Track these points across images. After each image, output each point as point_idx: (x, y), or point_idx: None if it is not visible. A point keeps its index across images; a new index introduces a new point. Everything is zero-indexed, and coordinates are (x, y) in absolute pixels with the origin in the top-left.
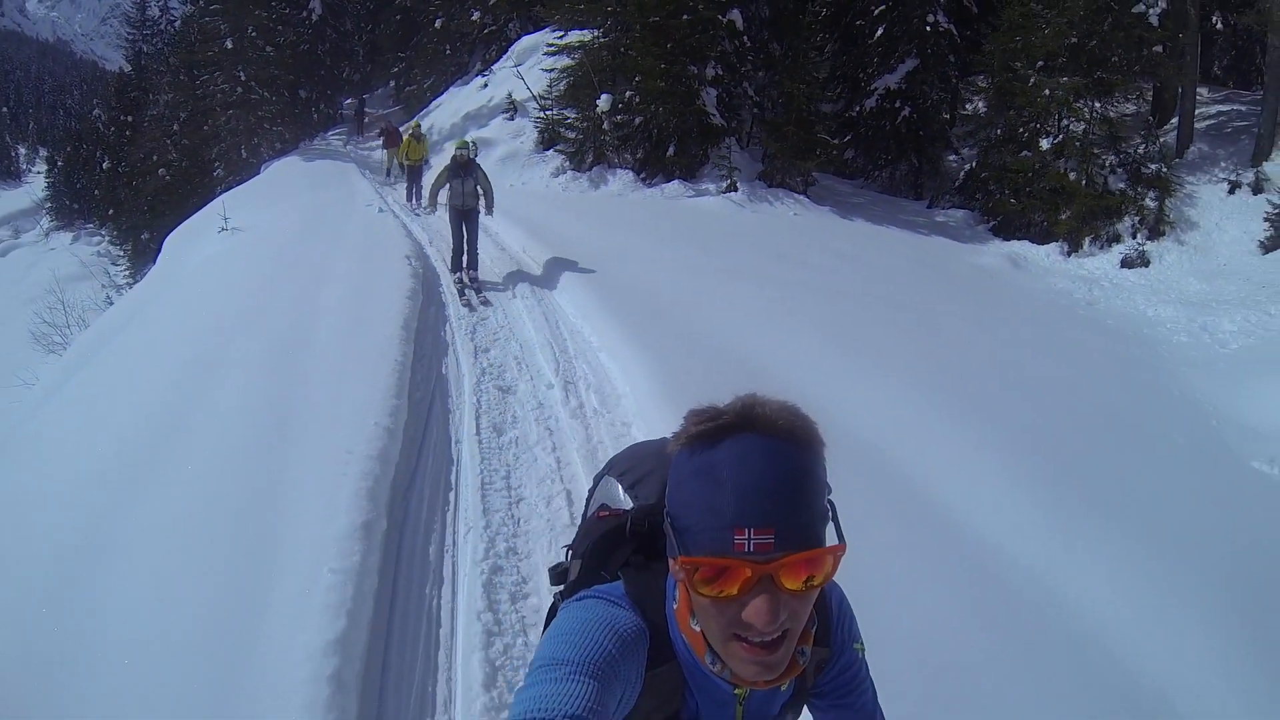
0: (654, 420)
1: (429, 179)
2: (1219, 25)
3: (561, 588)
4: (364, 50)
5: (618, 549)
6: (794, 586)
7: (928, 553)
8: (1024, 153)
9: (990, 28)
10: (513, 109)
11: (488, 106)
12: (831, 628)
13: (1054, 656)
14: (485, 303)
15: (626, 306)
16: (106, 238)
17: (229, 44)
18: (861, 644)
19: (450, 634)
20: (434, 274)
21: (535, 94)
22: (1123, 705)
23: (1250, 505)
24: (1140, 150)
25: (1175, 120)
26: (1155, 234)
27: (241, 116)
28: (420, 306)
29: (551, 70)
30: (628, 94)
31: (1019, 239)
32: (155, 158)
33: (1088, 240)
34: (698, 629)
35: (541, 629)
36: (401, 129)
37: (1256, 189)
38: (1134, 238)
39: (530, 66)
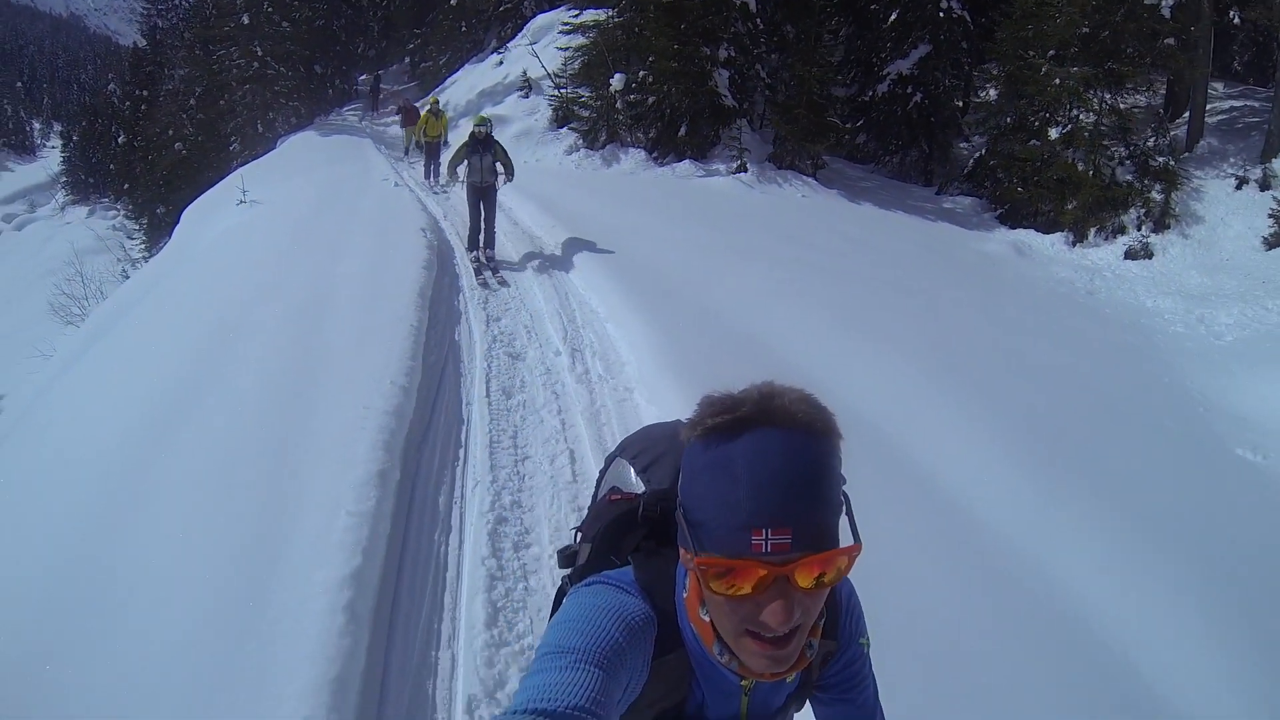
0: (656, 386)
1: (447, 155)
2: (1236, 20)
3: (570, 570)
4: (379, 26)
5: (629, 534)
6: (808, 585)
7: (925, 526)
8: (1033, 141)
9: (1003, 15)
10: (527, 86)
11: (503, 84)
12: (840, 621)
13: (1032, 620)
14: (502, 283)
15: (634, 281)
16: (122, 212)
17: (245, 19)
18: (868, 639)
19: (456, 577)
20: (448, 247)
21: (550, 72)
22: (1088, 666)
23: (1230, 489)
24: (1150, 143)
25: (1187, 114)
26: (1160, 227)
27: (258, 91)
28: (435, 277)
29: (566, 49)
30: (641, 74)
31: (1025, 227)
32: (171, 132)
33: (1093, 231)
34: (707, 619)
35: (551, 608)
36: (418, 105)
37: (1264, 185)
38: (1139, 230)
39: (545, 45)
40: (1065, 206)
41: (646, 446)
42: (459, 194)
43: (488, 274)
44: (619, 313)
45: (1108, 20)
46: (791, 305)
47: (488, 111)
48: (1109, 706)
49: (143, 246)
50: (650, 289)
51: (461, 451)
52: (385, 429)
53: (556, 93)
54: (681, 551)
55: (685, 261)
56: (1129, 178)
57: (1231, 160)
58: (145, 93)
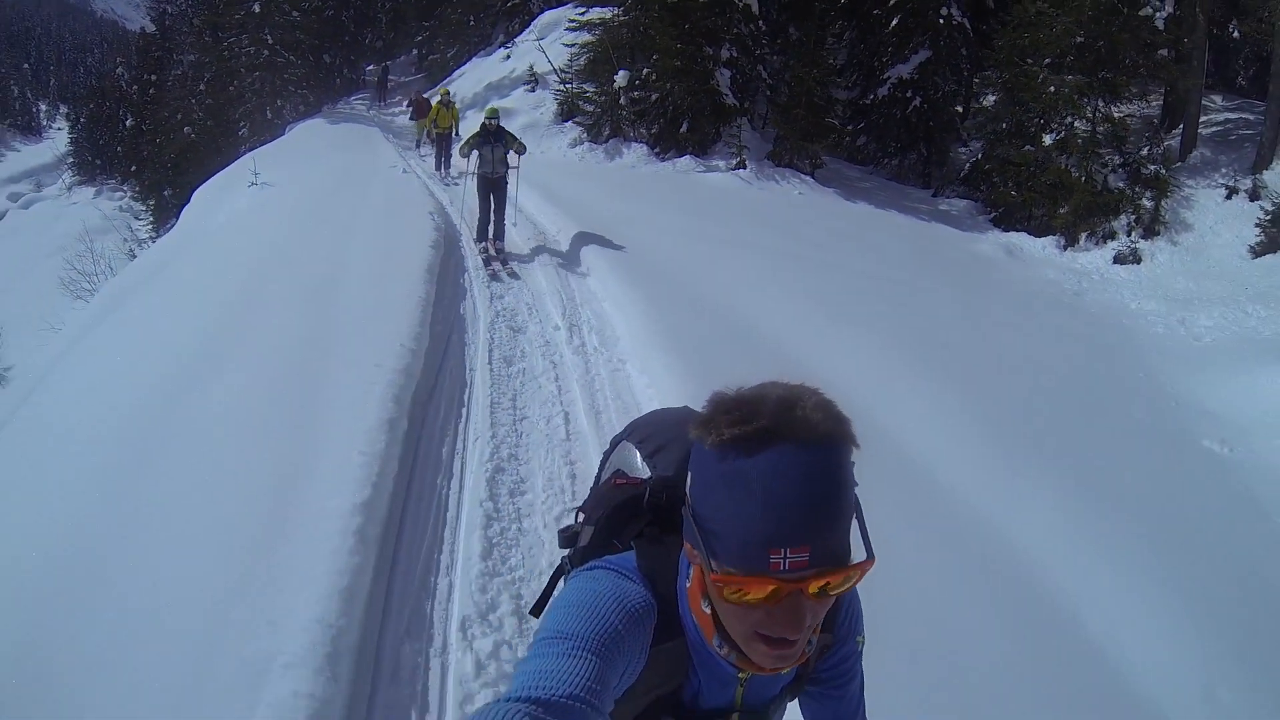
0: (647, 359)
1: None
2: (1235, 34)
3: (570, 551)
4: (387, 18)
5: (633, 520)
6: (820, 596)
7: (892, 488)
8: (1027, 147)
9: (1002, 23)
10: (534, 81)
11: (509, 77)
12: (839, 616)
13: (986, 573)
14: (512, 274)
15: (631, 266)
16: (128, 194)
17: (256, 7)
18: (863, 638)
19: (456, 516)
20: (455, 230)
21: (556, 67)
22: (1037, 618)
23: (1191, 474)
24: (1143, 152)
25: (1183, 124)
26: (1150, 233)
27: (267, 79)
28: (442, 257)
29: (573, 45)
30: (645, 71)
31: (1018, 230)
32: (180, 116)
33: (1084, 236)
34: (709, 611)
35: (546, 585)
36: (428, 95)
37: (1253, 195)
38: (1128, 236)
39: (552, 41)
40: (1057, 211)
41: (654, 432)
42: (468, 185)
43: (496, 265)
44: (616, 293)
45: (1103, 30)
46: (779, 292)
47: (495, 103)
48: (1054, 653)
49: (150, 227)
50: (646, 274)
51: (464, 410)
52: (395, 384)
53: (562, 88)
54: (687, 546)
55: (681, 250)
56: (1121, 184)
57: (1223, 170)
58: (154, 77)
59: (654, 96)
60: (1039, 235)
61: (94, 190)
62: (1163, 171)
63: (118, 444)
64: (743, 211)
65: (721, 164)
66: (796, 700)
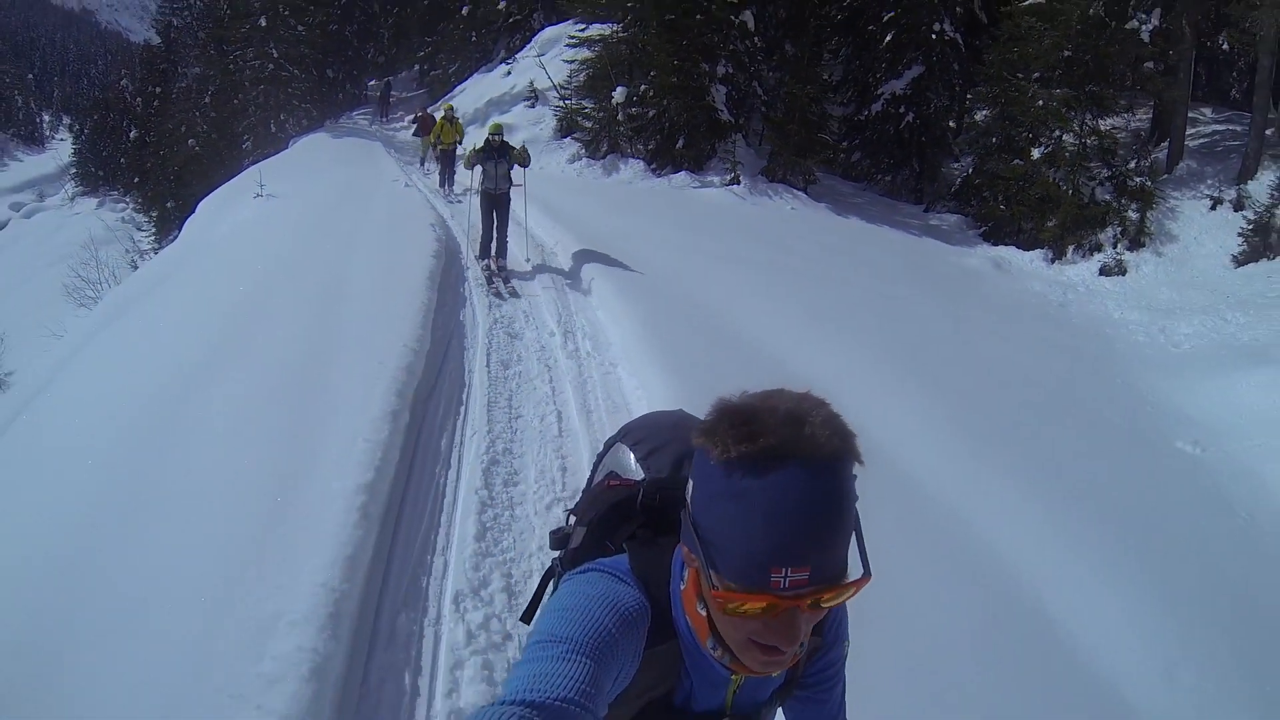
0: (638, 362)
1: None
2: (1225, 46)
3: (561, 552)
4: (389, 33)
5: (625, 521)
6: (815, 607)
7: (876, 490)
8: (1016, 161)
9: (993, 39)
10: (534, 97)
11: (510, 93)
12: (828, 622)
13: (952, 556)
14: (513, 294)
15: (626, 276)
16: (131, 205)
17: (263, 21)
18: (849, 643)
19: (452, 502)
20: (455, 242)
21: (556, 83)
22: (1002, 603)
23: (1162, 474)
24: (1131, 165)
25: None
26: (1135, 245)
27: (271, 92)
28: (443, 267)
29: (572, 61)
30: (642, 87)
31: (1007, 244)
32: (184, 129)
33: (1071, 248)
34: (704, 613)
35: (537, 587)
36: (431, 109)
37: (1238, 206)
38: (1114, 248)
39: (552, 57)
40: (1045, 224)
41: (648, 435)
42: (472, 202)
43: (499, 283)
44: (609, 302)
45: (1091, 44)
46: (767, 301)
47: (495, 119)
48: (1021, 637)
49: (152, 239)
50: (640, 284)
51: (462, 408)
52: (398, 380)
53: (561, 104)
54: (684, 549)
55: (674, 261)
56: (1107, 197)
57: (1209, 182)
58: (158, 89)
59: (651, 113)
60: (1027, 249)
61: (96, 201)
62: (1148, 184)
63: (136, 431)
64: (736, 226)
65: (716, 179)
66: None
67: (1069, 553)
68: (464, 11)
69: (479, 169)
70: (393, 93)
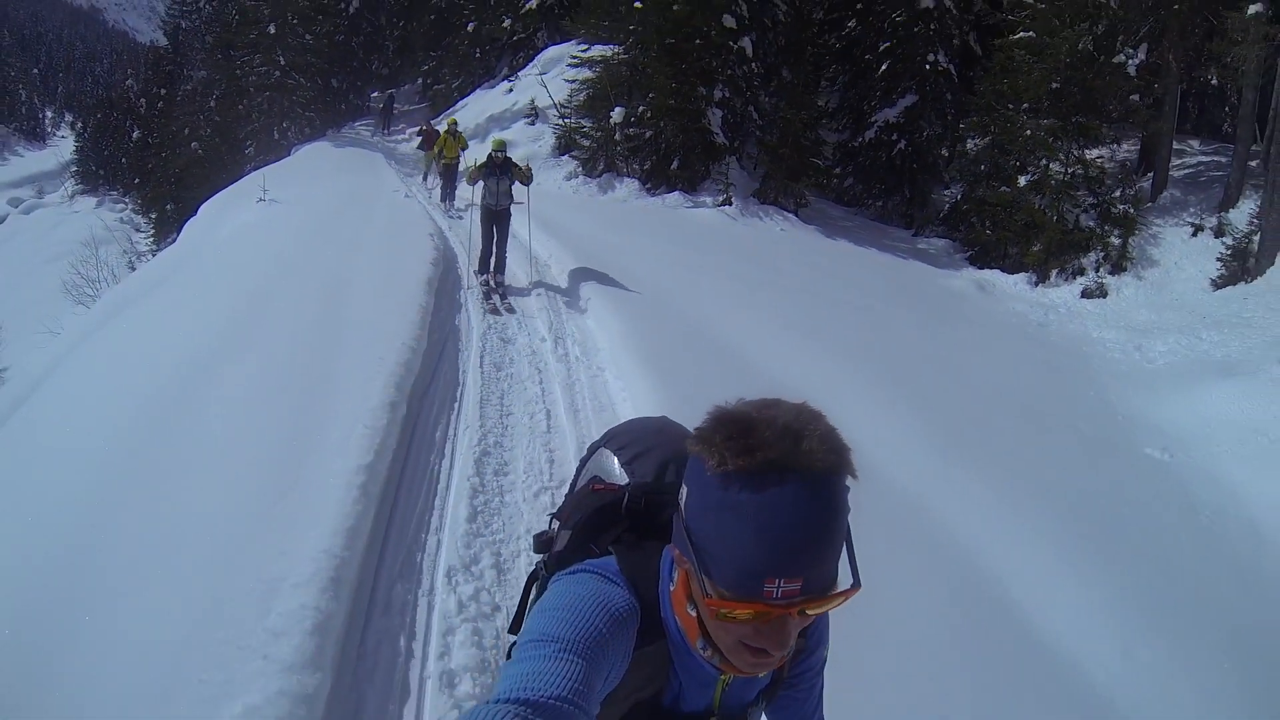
0: (624, 367)
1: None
2: (1215, 81)
3: (545, 556)
4: (394, 46)
5: (611, 525)
6: (805, 614)
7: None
8: (1003, 188)
9: (984, 70)
10: (534, 114)
11: (511, 110)
12: (813, 624)
13: (926, 553)
14: (510, 310)
15: (616, 287)
16: (130, 205)
17: (271, 29)
18: (828, 648)
19: (446, 487)
20: (452, 252)
21: (556, 102)
22: (976, 592)
23: (1129, 477)
24: (1116, 193)
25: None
26: (1118, 269)
27: (276, 99)
28: (441, 274)
29: (573, 81)
30: (640, 109)
31: (992, 268)
32: (187, 131)
33: (1055, 272)
34: (694, 614)
35: (523, 591)
36: (434, 123)
37: (1218, 232)
38: (1096, 271)
39: (554, 76)
40: (1030, 248)
41: (633, 440)
42: (473, 217)
43: (496, 298)
44: (600, 311)
45: (1079, 77)
46: (752, 314)
47: (496, 135)
48: (987, 621)
49: (151, 240)
50: (629, 295)
51: (456, 405)
52: (396, 375)
53: (561, 122)
54: (675, 551)
55: (664, 276)
56: (1091, 224)
57: (1191, 210)
58: (163, 91)
59: (647, 133)
60: (1012, 272)
61: (96, 200)
62: (1131, 211)
63: (150, 411)
64: (726, 245)
65: (709, 200)
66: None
67: (1034, 546)
68: (469, 28)
69: (480, 184)
70: (395, 105)
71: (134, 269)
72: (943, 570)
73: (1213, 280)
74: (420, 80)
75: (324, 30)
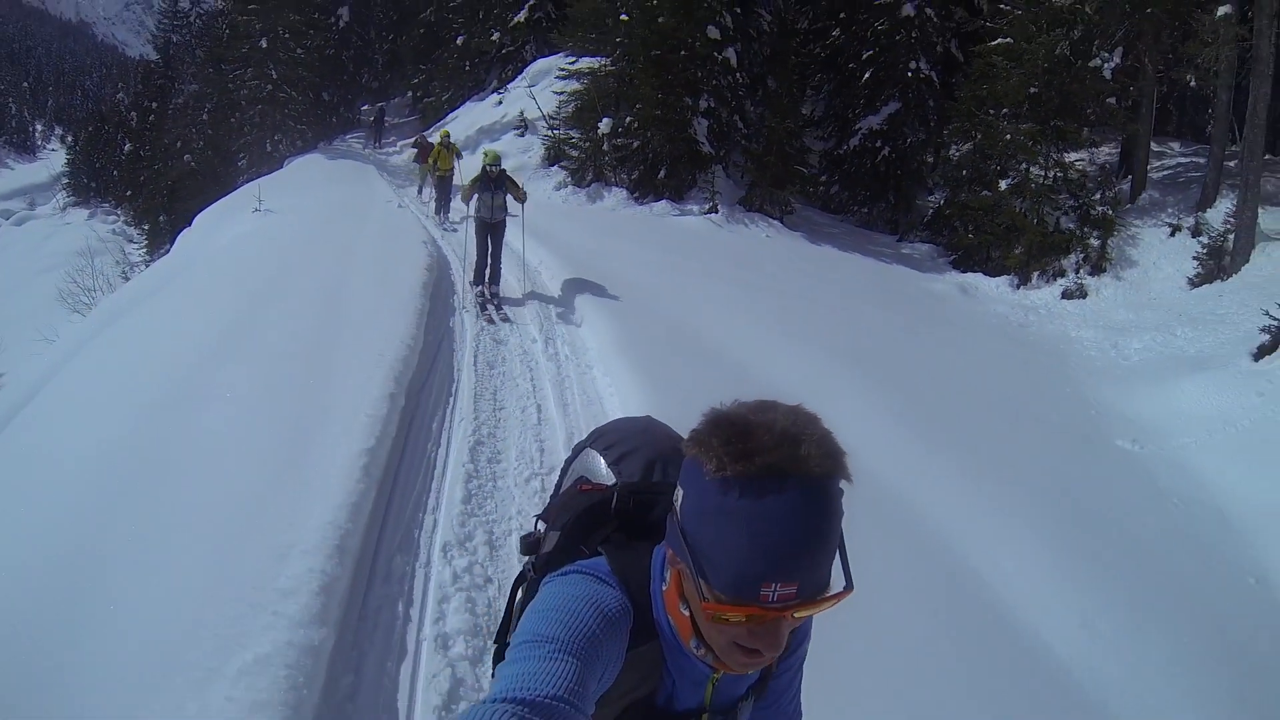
0: (612, 364)
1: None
2: (1192, 83)
3: (532, 557)
4: (383, 59)
5: (600, 525)
6: (798, 617)
7: None
8: (985, 192)
9: (965, 76)
10: (523, 126)
11: (501, 122)
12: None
13: (901, 534)
14: (506, 319)
15: (604, 290)
16: (122, 217)
17: (264, 43)
18: (810, 639)
19: (442, 472)
20: (445, 259)
21: (545, 114)
22: (945, 570)
23: (1098, 465)
24: (1096, 196)
25: None
26: (1097, 270)
27: (268, 113)
28: (435, 279)
29: (562, 93)
30: (627, 119)
31: (975, 271)
32: (180, 144)
33: (1036, 274)
34: (686, 614)
35: (509, 593)
36: (428, 135)
37: (1196, 233)
38: (1076, 273)
39: (543, 88)
40: (1012, 251)
41: (619, 439)
42: (468, 229)
43: (491, 309)
44: (588, 312)
45: (1056, 81)
46: (733, 313)
47: (486, 147)
48: (954, 595)
49: (144, 252)
50: (617, 298)
51: (451, 399)
52: (395, 369)
53: (550, 133)
54: (669, 552)
55: (650, 280)
56: (1071, 226)
57: (1169, 210)
58: (154, 105)
59: (635, 144)
60: (994, 275)
61: (88, 212)
62: (1110, 212)
63: (163, 399)
64: (711, 251)
65: (695, 208)
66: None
67: (1001, 526)
68: (458, 41)
69: (475, 197)
70: (386, 118)
71: (127, 280)
72: (914, 548)
73: (1189, 279)
74: (410, 93)
75: (314, 44)
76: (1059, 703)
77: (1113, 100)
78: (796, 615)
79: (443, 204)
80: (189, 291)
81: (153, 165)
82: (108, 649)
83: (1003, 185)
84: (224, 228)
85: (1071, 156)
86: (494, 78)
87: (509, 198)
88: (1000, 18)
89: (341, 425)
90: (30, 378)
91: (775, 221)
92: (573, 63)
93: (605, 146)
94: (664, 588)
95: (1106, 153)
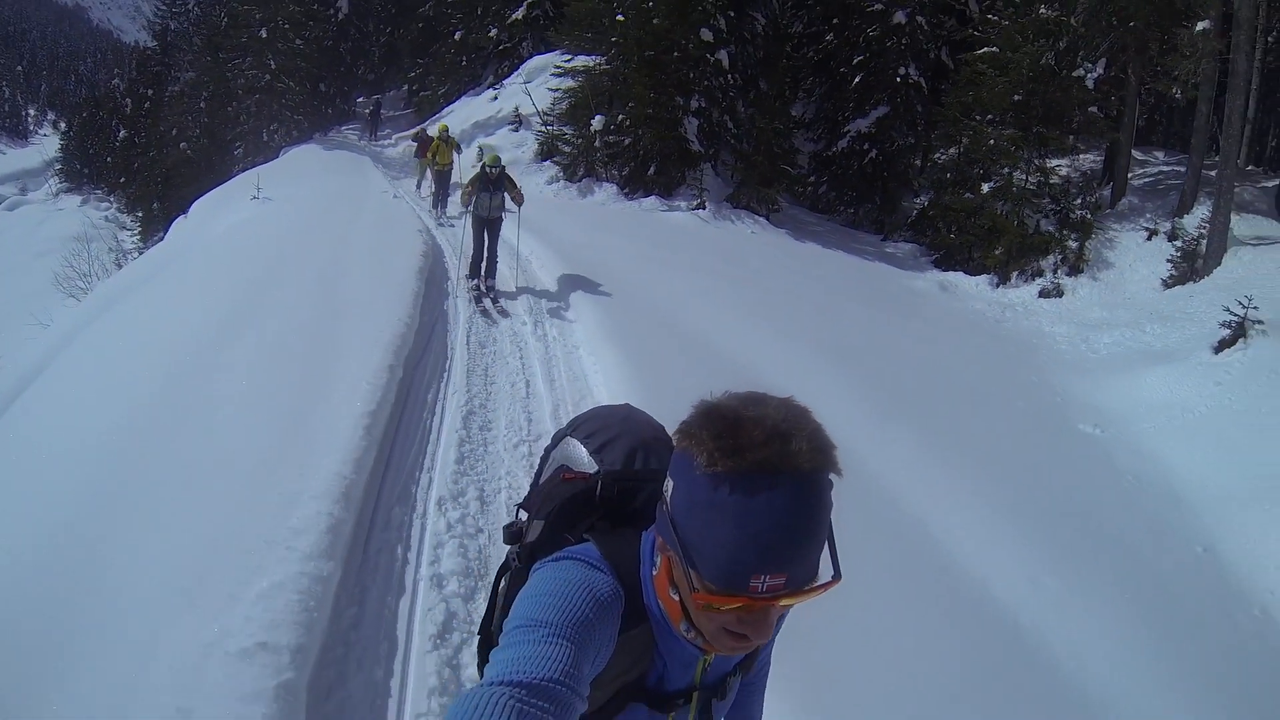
0: (597, 345)
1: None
2: (1179, 95)
3: (516, 547)
4: (380, 52)
5: (584, 513)
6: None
7: None
8: (967, 194)
9: (951, 83)
10: (518, 121)
11: (496, 117)
12: None
13: (870, 508)
14: (503, 313)
15: (591, 279)
16: (115, 205)
17: (263, 33)
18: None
19: (436, 438)
20: (439, 248)
21: (539, 110)
22: (905, 535)
23: (1059, 447)
24: (1077, 200)
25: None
26: (1075, 271)
27: (266, 102)
28: (430, 265)
29: (556, 90)
30: (620, 117)
31: (956, 270)
32: (175, 132)
33: (1015, 274)
34: (676, 598)
35: (493, 583)
36: (427, 127)
37: (1172, 236)
38: (1054, 273)
39: (538, 84)
40: (992, 251)
41: (600, 427)
42: (465, 223)
43: (487, 302)
44: (576, 299)
45: (1039, 90)
46: (714, 303)
47: (480, 141)
48: (911, 556)
49: (138, 237)
50: (603, 284)
51: (445, 375)
52: (393, 345)
53: (544, 129)
54: (659, 539)
55: (636, 271)
56: (1050, 228)
57: (1148, 216)
58: (150, 92)
59: (626, 141)
60: (974, 274)
61: (80, 199)
62: (1089, 216)
63: (172, 377)
64: (697, 245)
65: (683, 204)
66: None
67: (959, 495)
68: (456, 36)
69: (474, 197)
70: (382, 112)
71: (120, 267)
72: (877, 517)
73: (1163, 280)
74: (406, 86)
75: (313, 35)
76: (1005, 648)
77: (1095, 109)
78: (785, 604)
79: (440, 198)
80: (193, 273)
81: (147, 153)
82: (135, 582)
83: (985, 188)
84: (222, 215)
85: (1055, 162)
86: (490, 73)
87: (507, 198)
88: (989, 27)
89: (344, 392)
90: (30, 359)
91: (761, 218)
92: (568, 60)
93: (597, 143)
94: (654, 573)
95: (1091, 159)
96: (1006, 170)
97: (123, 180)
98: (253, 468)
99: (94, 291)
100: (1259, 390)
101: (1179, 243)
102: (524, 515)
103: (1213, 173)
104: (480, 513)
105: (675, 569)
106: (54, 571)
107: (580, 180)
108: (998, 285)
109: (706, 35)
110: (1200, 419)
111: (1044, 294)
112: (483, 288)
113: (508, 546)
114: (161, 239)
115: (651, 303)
